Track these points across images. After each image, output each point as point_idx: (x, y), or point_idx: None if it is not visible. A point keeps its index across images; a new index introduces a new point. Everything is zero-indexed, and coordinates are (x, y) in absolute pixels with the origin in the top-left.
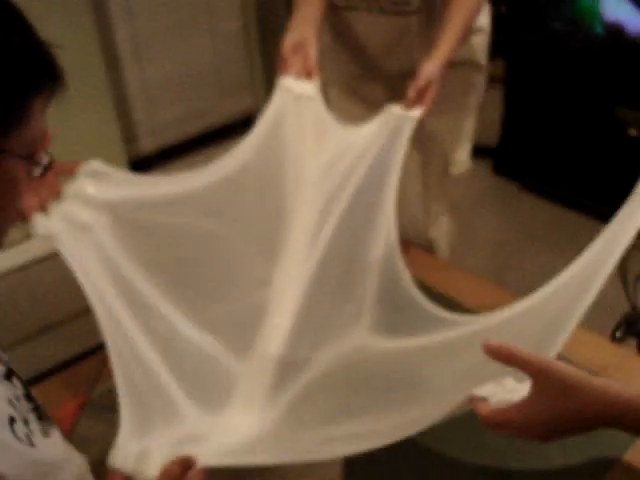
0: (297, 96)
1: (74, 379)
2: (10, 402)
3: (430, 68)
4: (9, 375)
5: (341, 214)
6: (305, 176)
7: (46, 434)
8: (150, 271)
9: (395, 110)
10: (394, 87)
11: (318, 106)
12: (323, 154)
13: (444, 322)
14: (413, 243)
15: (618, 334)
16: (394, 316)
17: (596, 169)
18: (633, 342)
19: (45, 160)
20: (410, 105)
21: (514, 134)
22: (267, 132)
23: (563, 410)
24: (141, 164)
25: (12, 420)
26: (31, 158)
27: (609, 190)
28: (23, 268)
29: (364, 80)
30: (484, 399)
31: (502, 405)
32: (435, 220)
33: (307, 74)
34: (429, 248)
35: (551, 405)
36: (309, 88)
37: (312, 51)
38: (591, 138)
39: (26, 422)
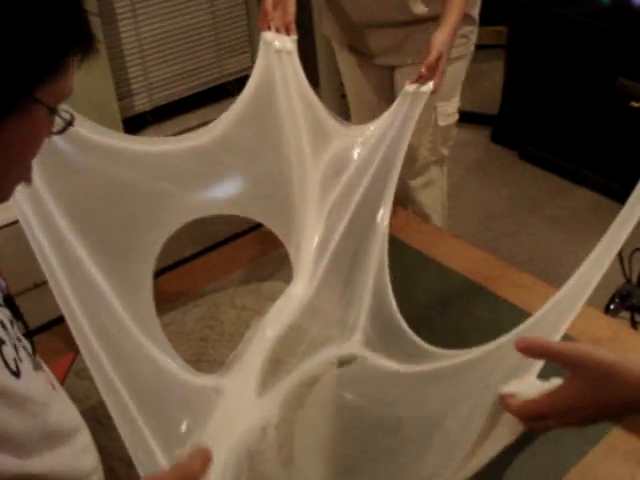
0: (277, 50)
1: (63, 337)
2: (2, 324)
3: (440, 40)
4: (6, 303)
5: (357, 201)
6: (309, 174)
7: (37, 369)
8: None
9: (409, 89)
10: (392, 37)
11: (295, 61)
12: (326, 153)
13: (426, 352)
14: (404, 207)
15: (612, 307)
16: (381, 334)
17: (596, 140)
18: (627, 315)
19: (67, 116)
20: (423, 81)
21: (514, 102)
22: (256, 86)
23: (603, 396)
24: (135, 122)
25: (1, 341)
26: (56, 112)
27: (608, 161)
28: (13, 223)
29: (361, 31)
30: (512, 395)
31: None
32: (427, 183)
33: (286, 29)
34: (420, 213)
35: (590, 391)
36: (288, 42)
37: (291, 6)
38: (592, 108)
39: (16, 348)
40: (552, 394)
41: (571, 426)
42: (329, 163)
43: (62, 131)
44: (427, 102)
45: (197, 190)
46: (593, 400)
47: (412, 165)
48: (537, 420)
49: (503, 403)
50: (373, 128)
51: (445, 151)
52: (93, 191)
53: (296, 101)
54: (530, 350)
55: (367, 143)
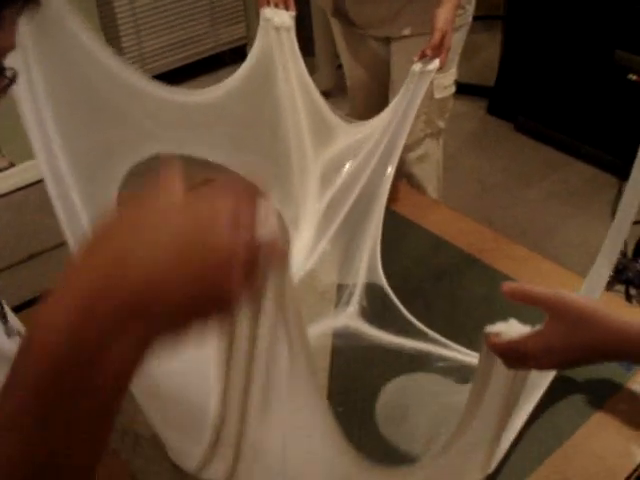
0: (276, 27)
1: None
2: None
3: (442, 19)
4: None
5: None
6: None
7: (9, 335)
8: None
9: (415, 68)
10: (387, 7)
11: (293, 39)
12: (328, 151)
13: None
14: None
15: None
16: (375, 308)
17: (593, 113)
18: (621, 289)
19: (11, 73)
20: (428, 60)
21: (511, 74)
22: (255, 65)
23: (579, 339)
24: None
25: None
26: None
27: (605, 135)
28: (6, 195)
29: (355, 1)
30: (497, 335)
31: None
32: (422, 156)
33: (285, 3)
34: (415, 185)
35: (568, 334)
36: (286, 18)
37: None
38: (589, 81)
39: None
40: (532, 335)
41: (548, 368)
42: (331, 161)
43: (4, 89)
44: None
45: (183, 143)
46: (571, 343)
47: (408, 138)
48: (517, 360)
49: (487, 340)
50: (378, 122)
51: (441, 124)
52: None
53: (298, 94)
54: (514, 294)
55: (371, 137)
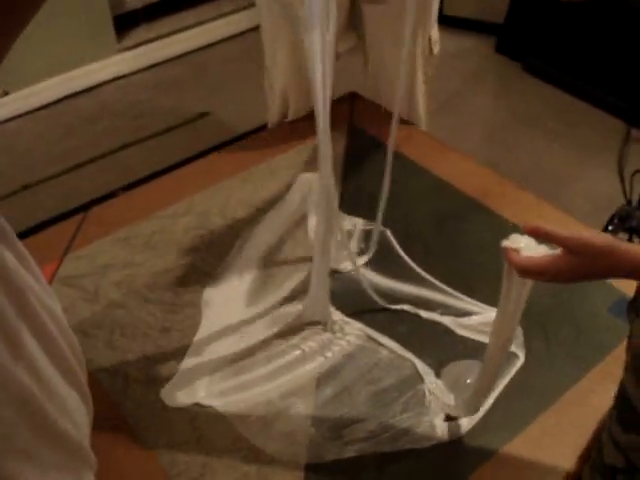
0: None
1: (48, 243)
2: None
3: None
4: None
5: None
6: None
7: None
8: None
9: None
10: None
11: None
12: None
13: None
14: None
15: (610, 228)
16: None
17: (604, 56)
18: (625, 237)
19: None
20: None
21: (521, 11)
22: None
23: (600, 268)
24: (126, 20)
25: None
26: None
27: (616, 79)
28: (1, 124)
29: None
30: (516, 250)
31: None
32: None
33: None
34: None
35: (584, 264)
36: None
37: None
38: (602, 22)
39: None
40: (552, 258)
41: (561, 282)
42: None
43: None
44: (421, 36)
45: None
46: (588, 270)
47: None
48: (534, 275)
49: (506, 254)
50: None
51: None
52: None
53: None
54: (536, 232)
55: None
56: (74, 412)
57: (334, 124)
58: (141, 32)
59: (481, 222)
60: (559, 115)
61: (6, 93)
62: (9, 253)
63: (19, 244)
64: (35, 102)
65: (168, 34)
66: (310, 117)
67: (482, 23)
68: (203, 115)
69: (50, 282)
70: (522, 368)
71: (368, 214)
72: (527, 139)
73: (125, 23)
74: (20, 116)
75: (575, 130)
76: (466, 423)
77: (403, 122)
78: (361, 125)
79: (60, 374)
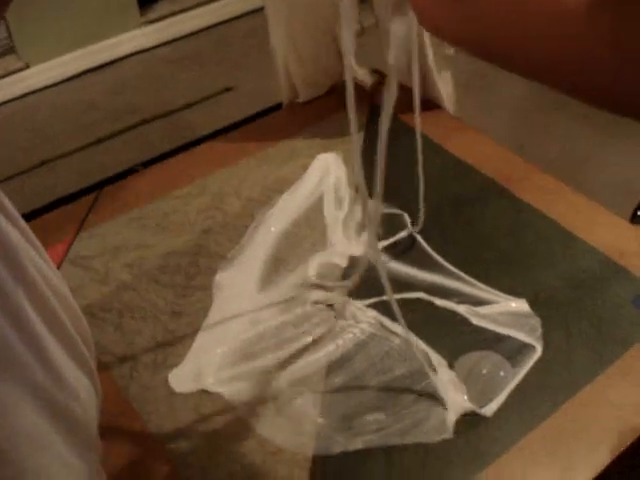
0: None
1: (60, 221)
2: None
3: None
4: None
5: None
6: None
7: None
8: None
9: None
10: None
11: None
12: None
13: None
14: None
15: (639, 214)
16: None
17: None
18: None
19: None
20: None
21: None
22: None
23: None
24: None
25: None
26: None
27: None
28: (20, 97)
29: None
30: None
31: None
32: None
33: None
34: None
35: None
36: None
37: None
38: None
39: None
40: None
41: None
42: None
43: None
44: None
45: None
46: None
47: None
48: None
49: None
50: None
51: (449, 51)
52: None
53: None
54: None
55: None
56: (83, 396)
57: (357, 102)
58: (164, 5)
59: (502, 207)
60: None
61: (27, 66)
62: (12, 228)
63: (21, 220)
64: (56, 76)
65: (191, 7)
66: (327, 96)
67: None
68: (226, 90)
69: (60, 262)
70: (539, 361)
71: (386, 196)
72: (556, 120)
73: None
74: (41, 90)
75: (607, 113)
76: (479, 417)
77: (425, 101)
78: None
79: (67, 355)
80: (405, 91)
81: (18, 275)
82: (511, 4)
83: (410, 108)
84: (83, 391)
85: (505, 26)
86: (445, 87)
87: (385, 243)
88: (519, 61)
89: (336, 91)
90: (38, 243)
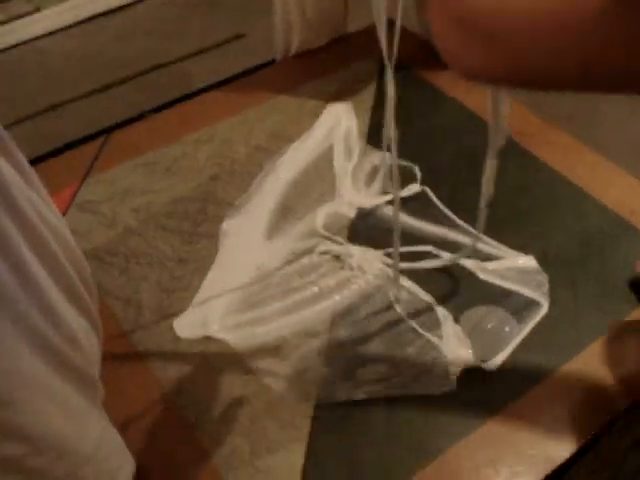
0: None
1: (68, 166)
2: None
3: None
4: None
5: None
6: None
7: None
8: None
9: None
10: None
11: None
12: None
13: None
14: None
15: None
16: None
17: None
18: None
19: None
20: None
21: None
22: None
23: None
24: None
25: None
26: None
27: None
28: (30, 41)
29: None
30: None
31: None
32: None
33: None
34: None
35: None
36: None
37: None
38: None
39: None
40: None
41: None
42: None
43: None
44: None
45: None
46: None
47: None
48: None
49: None
50: None
51: None
52: None
53: None
54: None
55: None
56: (82, 340)
57: (367, 51)
58: None
59: (515, 163)
60: None
61: (38, 9)
62: (9, 166)
63: (20, 156)
64: (67, 19)
65: None
66: (340, 45)
67: None
68: (237, 37)
69: (68, 207)
70: (545, 318)
71: (397, 149)
72: None
73: None
74: (51, 34)
75: None
76: (482, 371)
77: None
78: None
79: (66, 298)
80: (422, 45)
81: (13, 214)
82: (540, 23)
83: (432, 65)
84: (82, 333)
85: (539, 48)
86: None
87: (390, 195)
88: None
89: (346, 42)
90: (40, 185)
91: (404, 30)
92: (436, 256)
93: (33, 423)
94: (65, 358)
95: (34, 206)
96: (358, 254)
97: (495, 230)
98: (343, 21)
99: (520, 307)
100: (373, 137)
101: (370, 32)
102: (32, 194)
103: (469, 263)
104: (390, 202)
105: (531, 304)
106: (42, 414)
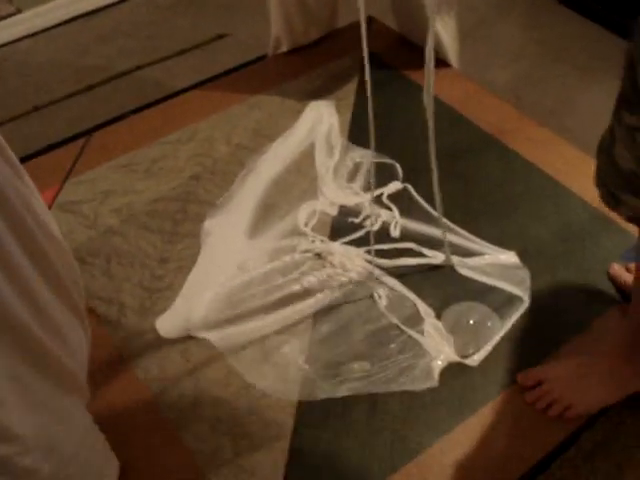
0: None
1: (50, 167)
2: None
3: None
4: None
5: None
6: None
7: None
8: None
9: None
10: None
11: None
12: None
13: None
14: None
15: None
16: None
17: None
18: None
19: None
20: None
21: None
22: None
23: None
24: None
25: None
26: None
27: None
28: (12, 43)
29: None
30: None
31: None
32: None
33: None
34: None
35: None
36: None
37: None
38: None
39: None
40: None
41: None
42: None
43: None
44: None
45: None
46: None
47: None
48: None
49: None
50: None
51: None
52: None
53: None
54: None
55: None
56: (69, 335)
57: (348, 49)
58: None
59: (495, 158)
60: (590, 48)
61: (19, 11)
62: (6, 167)
63: (14, 158)
64: (48, 21)
65: None
66: (322, 43)
67: None
68: (220, 37)
69: (50, 208)
70: (527, 313)
71: (378, 146)
72: (555, 72)
73: None
74: (32, 35)
75: (605, 62)
76: (465, 367)
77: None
78: (377, 52)
79: (56, 297)
80: (408, 45)
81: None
82: None
83: (413, 63)
84: (69, 329)
85: None
86: (446, 36)
87: (376, 193)
88: None
89: (327, 40)
90: (30, 181)
91: (386, 28)
92: (418, 253)
93: (19, 423)
94: (51, 356)
95: (24, 201)
96: (340, 252)
97: (475, 225)
98: (334, 17)
99: (502, 303)
100: (353, 135)
101: (355, 28)
102: (20, 184)
103: (451, 259)
104: (374, 199)
105: (513, 300)
106: (27, 413)
